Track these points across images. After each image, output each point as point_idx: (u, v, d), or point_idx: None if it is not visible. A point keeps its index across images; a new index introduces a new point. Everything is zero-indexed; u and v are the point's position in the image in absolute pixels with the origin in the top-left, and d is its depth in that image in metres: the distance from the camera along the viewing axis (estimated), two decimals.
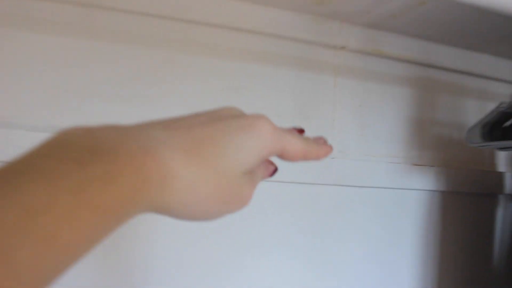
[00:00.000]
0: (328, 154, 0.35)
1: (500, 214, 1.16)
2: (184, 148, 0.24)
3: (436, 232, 1.07)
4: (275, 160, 0.37)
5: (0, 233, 0.15)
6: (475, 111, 1.14)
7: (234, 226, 0.88)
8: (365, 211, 1.00)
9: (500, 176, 1.14)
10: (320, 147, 0.34)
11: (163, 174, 0.22)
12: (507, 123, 0.76)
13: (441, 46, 1.07)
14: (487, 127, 0.78)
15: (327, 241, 0.96)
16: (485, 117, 0.79)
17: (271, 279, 0.91)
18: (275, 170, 0.35)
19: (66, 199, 0.17)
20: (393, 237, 1.02)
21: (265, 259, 0.91)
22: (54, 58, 0.78)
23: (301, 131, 0.37)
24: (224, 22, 0.88)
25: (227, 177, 0.25)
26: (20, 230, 0.15)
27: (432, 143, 1.08)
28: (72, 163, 0.19)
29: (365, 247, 0.99)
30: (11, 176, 0.17)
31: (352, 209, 0.98)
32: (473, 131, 0.79)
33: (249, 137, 0.27)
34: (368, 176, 0.97)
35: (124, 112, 0.81)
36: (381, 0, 0.85)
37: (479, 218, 1.13)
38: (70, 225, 0.17)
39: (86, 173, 0.19)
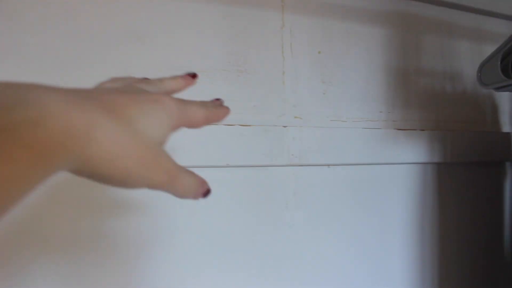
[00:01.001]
0: (227, 115, 0.35)
1: (508, 186, 0.91)
2: (104, 107, 0.24)
3: (433, 216, 0.81)
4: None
5: None
6: (470, 55, 0.88)
7: (195, 219, 0.60)
8: (340, 196, 0.72)
9: (506, 138, 0.88)
10: (218, 109, 0.34)
11: (89, 123, 0.22)
12: None
13: None
14: (509, 59, 0.50)
15: (292, 242, 0.68)
16: (503, 45, 0.52)
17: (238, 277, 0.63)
18: (207, 191, 0.31)
19: None
20: (379, 228, 0.76)
21: (227, 260, 0.62)
22: None
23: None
24: None
25: (145, 140, 0.26)
26: None
27: (419, 99, 0.81)
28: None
29: (346, 243, 0.72)
30: None
31: (321, 195, 0.70)
32: (488, 67, 0.52)
33: (157, 109, 0.28)
34: (338, 149, 0.69)
35: None
36: None
37: (483, 193, 0.87)
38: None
39: (14, 116, 0.19)
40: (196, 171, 0.58)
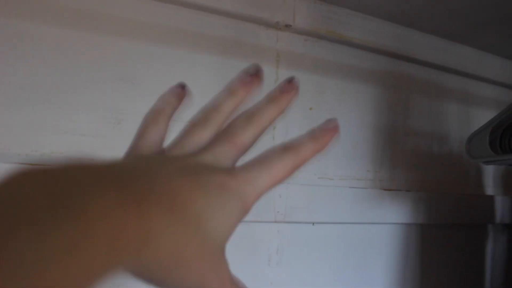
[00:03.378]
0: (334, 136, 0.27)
1: (489, 248, 0.91)
2: (164, 205, 0.21)
3: (415, 276, 0.80)
4: None
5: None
6: (457, 118, 0.89)
7: None
8: (323, 255, 0.71)
9: (489, 201, 0.89)
10: (324, 133, 0.27)
11: (147, 230, 0.19)
12: None
13: (417, 32, 0.82)
14: (497, 134, 0.51)
15: None
16: (494, 119, 0.53)
17: None
18: None
19: None
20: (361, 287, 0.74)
21: None
22: None
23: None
24: None
25: (211, 245, 0.22)
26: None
27: (406, 159, 0.81)
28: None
29: None
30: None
31: (305, 253, 0.69)
32: (477, 140, 0.53)
33: (231, 204, 0.24)
34: (324, 207, 0.69)
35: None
36: None
37: (465, 255, 0.87)
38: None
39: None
40: None
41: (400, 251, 0.79)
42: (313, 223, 0.68)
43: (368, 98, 0.79)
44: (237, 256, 0.63)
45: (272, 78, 0.69)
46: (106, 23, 0.59)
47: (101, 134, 0.58)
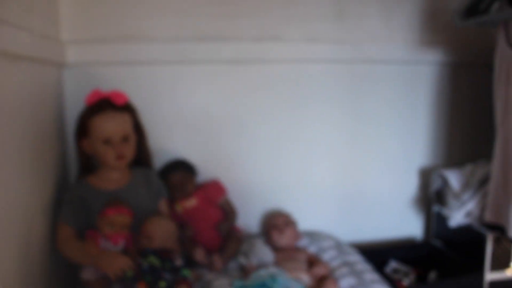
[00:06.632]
0: None
1: None
2: None
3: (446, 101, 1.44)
4: None
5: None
6: None
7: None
8: (388, 84, 1.38)
9: None
10: None
11: None
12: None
13: None
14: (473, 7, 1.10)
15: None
16: None
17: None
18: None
19: None
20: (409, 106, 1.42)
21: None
22: None
23: None
24: None
25: None
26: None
27: (442, 28, 1.38)
28: None
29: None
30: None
31: (376, 83, 1.37)
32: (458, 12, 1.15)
33: None
34: (391, 54, 1.33)
35: None
36: None
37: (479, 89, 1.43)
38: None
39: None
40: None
41: (436, 85, 1.40)
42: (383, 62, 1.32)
43: None
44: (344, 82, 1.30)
45: None
46: None
47: None
